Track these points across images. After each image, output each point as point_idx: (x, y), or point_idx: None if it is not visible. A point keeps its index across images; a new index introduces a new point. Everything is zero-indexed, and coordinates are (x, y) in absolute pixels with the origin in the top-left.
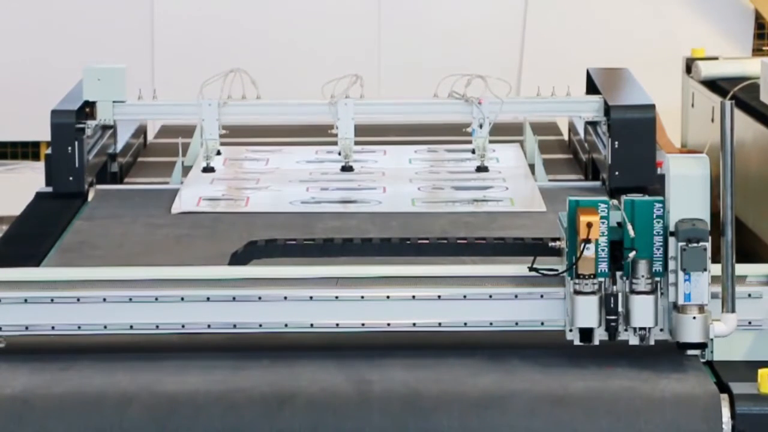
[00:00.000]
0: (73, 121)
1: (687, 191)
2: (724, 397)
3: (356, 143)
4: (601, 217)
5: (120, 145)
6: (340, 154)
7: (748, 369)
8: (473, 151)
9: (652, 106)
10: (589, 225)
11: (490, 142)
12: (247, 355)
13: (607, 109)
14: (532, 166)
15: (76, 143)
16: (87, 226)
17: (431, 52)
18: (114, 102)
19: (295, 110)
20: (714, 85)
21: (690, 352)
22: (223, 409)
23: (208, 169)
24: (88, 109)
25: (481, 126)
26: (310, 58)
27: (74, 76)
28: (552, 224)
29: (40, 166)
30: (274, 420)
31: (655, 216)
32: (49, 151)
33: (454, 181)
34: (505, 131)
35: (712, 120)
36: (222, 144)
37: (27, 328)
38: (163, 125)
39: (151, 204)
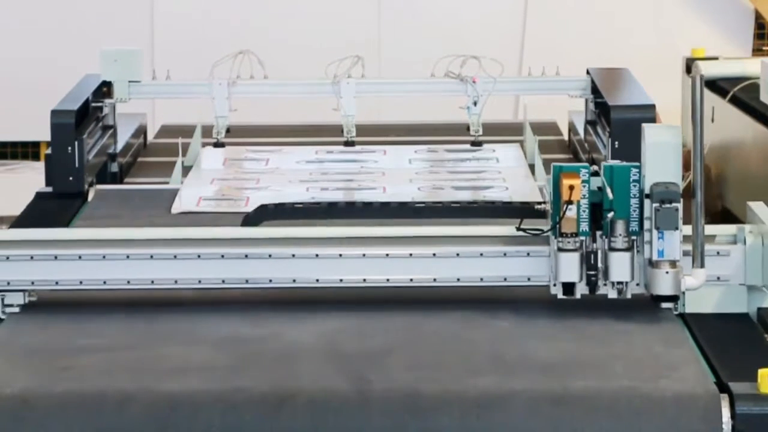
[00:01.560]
0: (73, 121)
1: (661, 157)
2: (724, 397)
3: (356, 143)
4: (583, 181)
5: (120, 145)
6: (342, 131)
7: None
8: (468, 128)
9: (652, 106)
10: (571, 188)
11: (491, 142)
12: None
13: (607, 110)
14: (532, 166)
15: (76, 143)
16: (87, 226)
17: (429, 46)
18: (130, 82)
19: (300, 89)
20: (714, 85)
21: (664, 305)
22: (223, 409)
23: (218, 145)
24: (105, 89)
25: (475, 104)
26: (311, 49)
27: (74, 76)
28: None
29: (40, 166)
30: (276, 419)
31: (631, 180)
32: (49, 151)
33: (454, 181)
34: (505, 131)
35: (712, 120)
36: (222, 144)
37: (57, 282)
38: (163, 125)
39: (151, 204)
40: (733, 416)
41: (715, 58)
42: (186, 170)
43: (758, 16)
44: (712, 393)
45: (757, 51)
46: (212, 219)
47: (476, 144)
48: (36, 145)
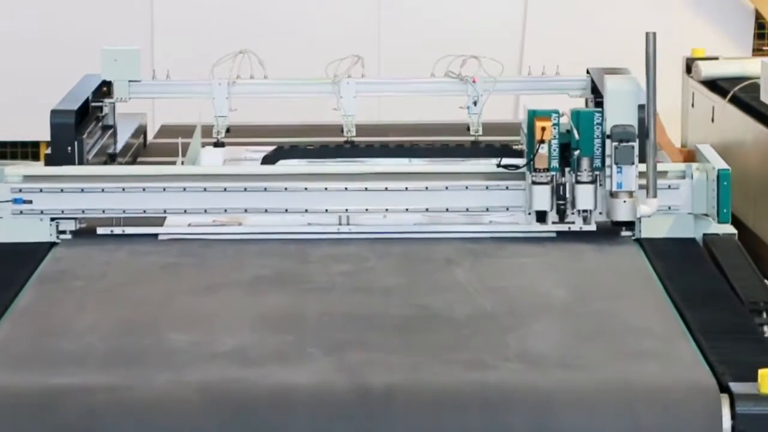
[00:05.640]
0: (73, 121)
1: (620, 103)
2: (724, 397)
3: (356, 143)
4: (553, 124)
5: (120, 145)
6: (342, 131)
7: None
8: (468, 128)
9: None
10: (543, 129)
11: (491, 142)
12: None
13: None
14: None
15: (76, 143)
16: (68, 253)
17: (429, 46)
18: (130, 81)
19: (300, 89)
20: (714, 85)
21: (623, 233)
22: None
23: (218, 145)
24: (105, 89)
25: (475, 104)
26: (311, 49)
27: (74, 76)
28: (562, 254)
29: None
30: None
31: (595, 123)
32: (49, 151)
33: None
34: (505, 131)
35: (712, 120)
36: (222, 144)
37: (104, 211)
38: (163, 125)
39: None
40: (733, 416)
41: (715, 58)
42: None
43: (758, 16)
44: (713, 393)
45: (757, 51)
46: (202, 246)
47: (476, 143)
48: (36, 145)
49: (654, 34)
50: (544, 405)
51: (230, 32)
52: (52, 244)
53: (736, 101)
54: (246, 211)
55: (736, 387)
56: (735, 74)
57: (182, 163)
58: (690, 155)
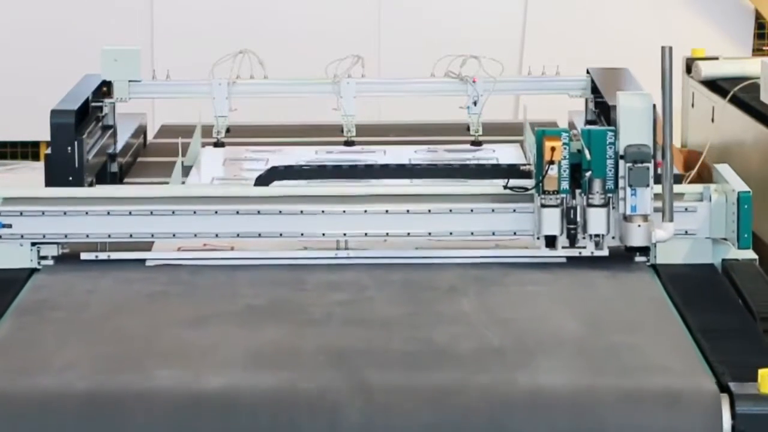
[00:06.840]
0: (73, 121)
1: (634, 122)
2: (724, 397)
3: (356, 143)
4: (563, 144)
5: (120, 145)
6: (342, 131)
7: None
8: (468, 128)
9: (652, 106)
10: (553, 149)
11: (491, 142)
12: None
13: (607, 109)
14: None
15: (76, 143)
16: (49, 281)
17: (429, 46)
18: (130, 81)
19: (300, 89)
20: (714, 85)
21: (637, 259)
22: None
23: (218, 145)
24: (105, 89)
25: (475, 104)
26: (311, 49)
27: (74, 76)
28: (573, 281)
29: (39, 166)
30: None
31: (607, 143)
32: (49, 151)
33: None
34: (505, 131)
35: (712, 120)
36: (222, 144)
37: (87, 236)
38: (163, 125)
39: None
40: (733, 416)
41: (715, 58)
42: (186, 170)
43: (758, 16)
44: (713, 393)
45: (757, 51)
46: (191, 272)
47: (476, 144)
48: (36, 145)
49: (670, 48)
50: (545, 405)
51: (230, 32)
52: (33, 271)
53: (736, 101)
54: (238, 235)
55: (736, 387)
56: (735, 74)
57: (182, 163)
58: (690, 155)
